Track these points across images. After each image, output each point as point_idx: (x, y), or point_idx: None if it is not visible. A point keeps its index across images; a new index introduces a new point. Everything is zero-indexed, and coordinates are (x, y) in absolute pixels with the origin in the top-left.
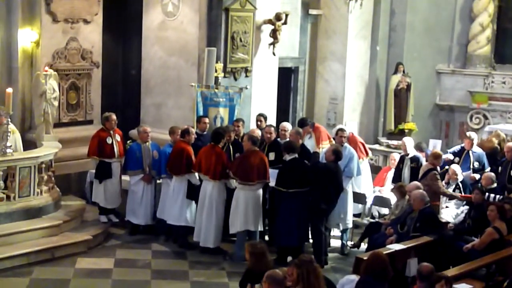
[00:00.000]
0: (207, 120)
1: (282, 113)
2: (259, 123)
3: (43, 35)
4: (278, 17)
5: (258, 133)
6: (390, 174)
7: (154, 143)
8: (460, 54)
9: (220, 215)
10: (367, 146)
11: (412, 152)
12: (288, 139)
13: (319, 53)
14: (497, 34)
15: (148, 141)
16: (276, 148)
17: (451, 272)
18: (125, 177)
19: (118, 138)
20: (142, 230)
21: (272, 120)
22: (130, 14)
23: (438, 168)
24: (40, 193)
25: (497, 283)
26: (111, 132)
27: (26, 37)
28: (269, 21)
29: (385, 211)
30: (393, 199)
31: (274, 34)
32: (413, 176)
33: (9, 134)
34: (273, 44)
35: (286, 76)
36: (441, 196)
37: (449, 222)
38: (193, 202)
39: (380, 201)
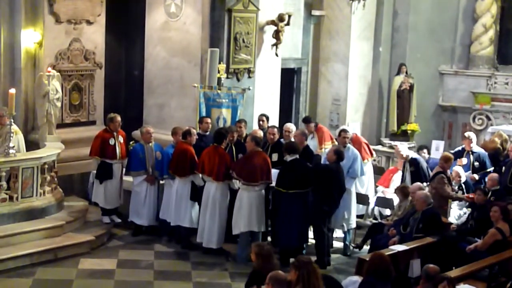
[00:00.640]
0: (209, 120)
1: (285, 114)
2: (261, 123)
3: (46, 35)
4: (281, 18)
5: (260, 133)
6: (397, 176)
7: (157, 143)
8: (463, 55)
9: (223, 216)
10: (370, 146)
11: (410, 155)
12: (291, 140)
13: (321, 54)
14: (500, 35)
15: (151, 142)
16: (279, 149)
17: (453, 273)
18: (128, 178)
19: (121, 139)
20: (145, 231)
21: (274, 121)
22: (133, 15)
23: (448, 171)
24: (43, 194)
25: (499, 284)
26: (115, 133)
27: (29, 38)
28: (272, 22)
29: (388, 212)
30: (396, 200)
31: (276, 35)
32: (414, 180)
33: (12, 134)
34: (275, 45)
35: (288, 77)
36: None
37: (451, 223)
38: (196, 203)
39: (383, 202)
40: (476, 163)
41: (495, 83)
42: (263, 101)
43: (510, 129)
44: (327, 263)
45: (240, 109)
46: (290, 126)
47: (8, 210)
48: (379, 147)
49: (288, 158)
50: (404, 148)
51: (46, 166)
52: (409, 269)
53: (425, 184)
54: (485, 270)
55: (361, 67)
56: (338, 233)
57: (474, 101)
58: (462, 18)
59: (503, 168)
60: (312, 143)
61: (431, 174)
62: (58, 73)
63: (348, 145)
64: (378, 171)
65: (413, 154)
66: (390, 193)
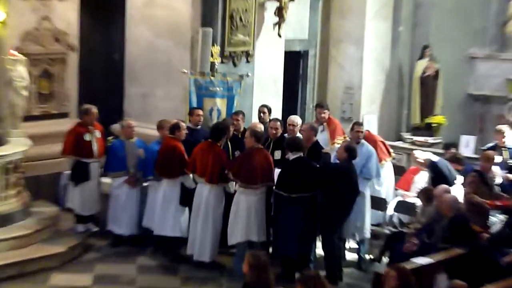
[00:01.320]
0: (200, 112)
1: (289, 104)
2: (262, 115)
3: (10, 13)
4: None
5: (261, 127)
6: (419, 177)
7: (139, 139)
8: (497, 36)
9: (218, 224)
10: (388, 143)
11: (430, 158)
12: (295, 136)
13: (332, 35)
14: None
15: (133, 138)
16: (282, 145)
17: None
18: (106, 180)
19: (98, 134)
20: (126, 241)
21: (277, 113)
22: None
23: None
24: (6, 198)
25: None
26: (91, 127)
27: None
28: None
29: (409, 219)
30: (418, 205)
31: (280, 12)
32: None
33: None
34: (278, 24)
35: (293, 62)
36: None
37: (484, 231)
38: (187, 209)
39: (404, 207)
40: (511, 161)
41: None
42: (264, 89)
43: None
44: (338, 278)
45: (237, 99)
46: (295, 119)
47: None
48: (399, 143)
49: (291, 156)
50: (422, 153)
51: (11, 165)
52: (433, 286)
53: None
54: None
55: (378, 50)
56: (351, 243)
57: (509, 89)
58: None
59: None
60: (322, 137)
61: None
62: (24, 57)
63: (362, 141)
64: (398, 171)
65: (433, 157)
66: (411, 197)
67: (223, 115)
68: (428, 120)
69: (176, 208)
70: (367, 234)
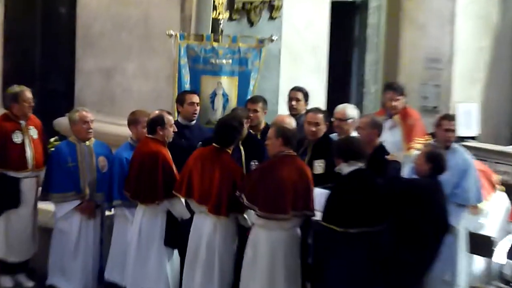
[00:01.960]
0: (196, 99)
1: (339, 86)
2: (294, 103)
3: None
4: None
5: (292, 123)
6: None
7: (100, 142)
8: None
9: (227, 276)
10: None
11: None
12: (349, 135)
13: None
14: None
15: (90, 139)
16: (327, 151)
17: None
18: (47, 206)
19: (34, 133)
20: None
21: (319, 100)
22: None
23: None
24: None
25: None
26: (22, 122)
27: None
28: None
29: None
30: None
31: None
32: None
33: None
34: None
35: (344, 18)
36: None
37: None
38: (176, 252)
39: None
40: None
41: None
42: (297, 63)
43: None
44: None
45: (253, 77)
46: (347, 109)
47: None
48: None
49: (345, 168)
50: None
51: None
52: None
53: None
54: None
55: (480, 0)
56: None
57: None
58: None
59: None
60: (391, 138)
61: None
62: None
63: (455, 145)
64: None
65: None
66: None
67: (233, 103)
68: None
69: (159, 250)
70: None
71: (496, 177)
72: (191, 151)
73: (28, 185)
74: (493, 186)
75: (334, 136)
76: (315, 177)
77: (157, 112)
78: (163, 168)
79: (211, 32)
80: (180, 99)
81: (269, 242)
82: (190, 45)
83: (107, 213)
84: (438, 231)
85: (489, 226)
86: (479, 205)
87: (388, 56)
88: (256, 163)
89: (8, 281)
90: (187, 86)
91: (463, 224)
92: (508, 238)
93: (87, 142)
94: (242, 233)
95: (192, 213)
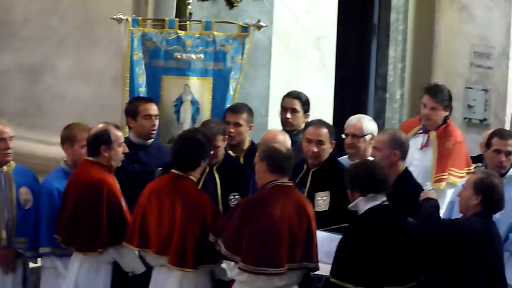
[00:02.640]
0: (155, 110)
1: (350, 92)
2: (288, 116)
3: None
4: None
5: (287, 141)
6: None
7: (22, 167)
8: None
9: None
10: None
11: None
12: (367, 159)
13: None
14: None
15: (8, 163)
16: (333, 180)
17: None
18: None
19: None
20: None
21: (324, 109)
22: None
23: None
24: None
25: None
26: None
27: None
28: None
29: None
30: None
31: None
32: None
33: None
34: None
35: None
36: None
37: None
38: None
39: None
40: None
41: None
42: (295, 58)
43: None
44: None
45: (235, 79)
46: (364, 122)
47: None
48: None
49: (362, 205)
50: None
51: None
52: None
53: None
54: None
55: None
56: None
57: None
58: None
59: None
60: (422, 161)
61: None
62: None
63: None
64: None
65: None
66: None
67: (206, 113)
68: None
69: None
70: None
71: None
72: (148, 180)
73: None
74: None
75: (344, 159)
76: (318, 216)
77: (100, 126)
78: (108, 203)
79: (176, 16)
80: (132, 110)
81: None
82: (146, 33)
83: (31, 265)
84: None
85: None
86: None
87: (418, 49)
88: (237, 196)
89: None
90: (142, 91)
91: None
92: None
93: (4, 167)
94: None
95: (148, 265)
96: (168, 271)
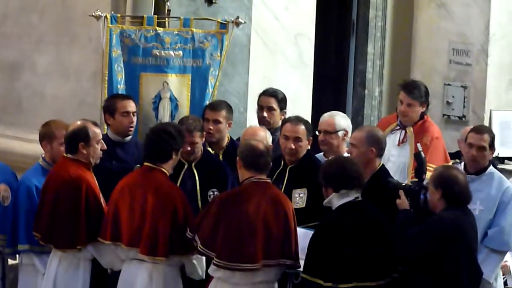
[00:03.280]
0: (133, 107)
1: (329, 89)
2: (265, 114)
3: None
4: None
5: (268, 137)
6: None
7: (0, 164)
8: None
9: None
10: None
11: None
12: (341, 155)
13: None
14: None
15: None
16: (309, 176)
17: None
18: None
19: None
20: None
21: (302, 106)
22: None
23: None
24: None
25: None
26: None
27: None
28: None
29: None
30: None
31: None
32: None
33: None
34: None
35: None
36: None
37: None
38: None
39: None
40: None
41: None
42: (273, 55)
43: None
44: None
45: (214, 75)
46: (336, 119)
47: None
48: None
49: (335, 201)
50: None
51: None
52: None
53: None
54: None
55: None
56: None
57: None
58: None
59: None
60: (399, 157)
61: None
62: None
63: (490, 169)
64: None
65: None
66: None
67: (185, 110)
68: None
69: None
70: None
71: None
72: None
73: None
74: None
75: (320, 156)
76: (297, 213)
77: (79, 123)
78: (86, 201)
79: (155, 13)
80: (110, 107)
81: None
82: (125, 30)
83: (10, 261)
84: (468, 279)
85: None
86: None
87: (397, 46)
88: (216, 193)
89: None
90: (120, 88)
91: (500, 280)
92: None
93: None
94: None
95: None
96: (138, 264)
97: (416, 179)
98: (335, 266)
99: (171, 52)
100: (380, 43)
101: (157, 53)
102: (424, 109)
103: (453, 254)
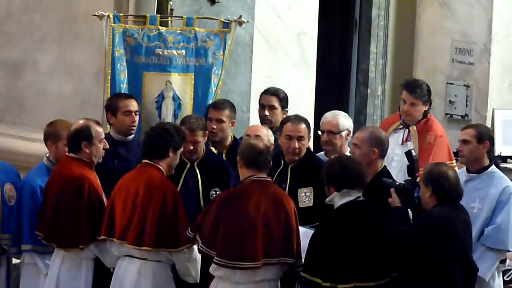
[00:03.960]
0: (135, 106)
1: (332, 88)
2: (266, 113)
3: None
4: None
5: (270, 136)
6: None
7: (4, 163)
8: None
9: None
10: None
11: None
12: (343, 154)
13: None
14: None
15: None
16: (314, 175)
17: None
18: None
19: None
20: None
21: (305, 105)
22: None
23: None
24: None
25: None
26: None
27: None
28: None
29: None
30: None
31: None
32: None
33: None
34: None
35: None
36: None
37: None
38: None
39: None
40: None
41: None
42: (276, 54)
43: None
44: None
45: (217, 75)
46: (339, 118)
47: None
48: None
49: (337, 200)
50: None
51: None
52: None
53: None
54: None
55: None
56: None
57: None
58: None
59: None
60: (403, 156)
61: None
62: None
63: (493, 169)
64: None
65: None
66: None
67: (188, 109)
68: None
69: None
70: None
71: None
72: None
73: None
74: None
75: (321, 155)
76: (301, 212)
77: (81, 122)
78: (89, 200)
79: (157, 12)
80: (112, 106)
81: None
82: (128, 30)
83: (14, 260)
84: (464, 277)
85: None
86: None
87: (400, 45)
88: (219, 192)
89: None
90: (123, 87)
91: (498, 280)
92: None
93: None
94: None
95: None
96: (128, 261)
97: (409, 178)
98: (334, 266)
99: (174, 51)
100: (382, 42)
101: (160, 52)
102: (427, 108)
103: (442, 248)
